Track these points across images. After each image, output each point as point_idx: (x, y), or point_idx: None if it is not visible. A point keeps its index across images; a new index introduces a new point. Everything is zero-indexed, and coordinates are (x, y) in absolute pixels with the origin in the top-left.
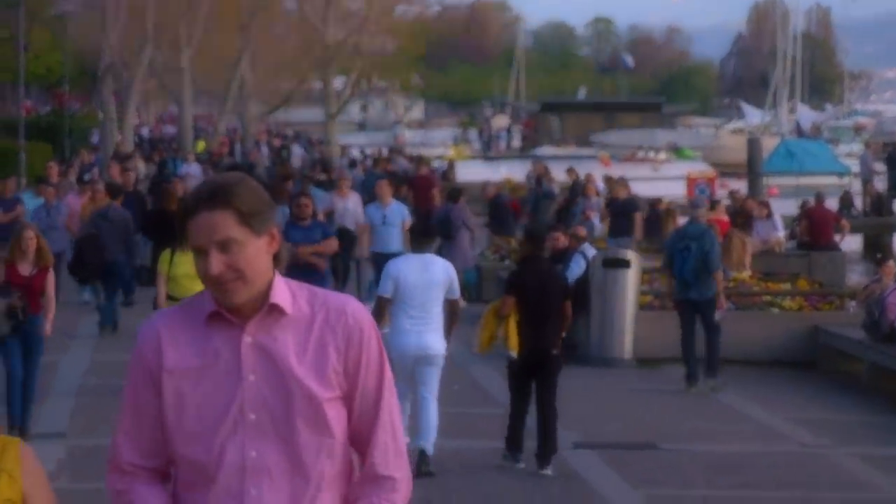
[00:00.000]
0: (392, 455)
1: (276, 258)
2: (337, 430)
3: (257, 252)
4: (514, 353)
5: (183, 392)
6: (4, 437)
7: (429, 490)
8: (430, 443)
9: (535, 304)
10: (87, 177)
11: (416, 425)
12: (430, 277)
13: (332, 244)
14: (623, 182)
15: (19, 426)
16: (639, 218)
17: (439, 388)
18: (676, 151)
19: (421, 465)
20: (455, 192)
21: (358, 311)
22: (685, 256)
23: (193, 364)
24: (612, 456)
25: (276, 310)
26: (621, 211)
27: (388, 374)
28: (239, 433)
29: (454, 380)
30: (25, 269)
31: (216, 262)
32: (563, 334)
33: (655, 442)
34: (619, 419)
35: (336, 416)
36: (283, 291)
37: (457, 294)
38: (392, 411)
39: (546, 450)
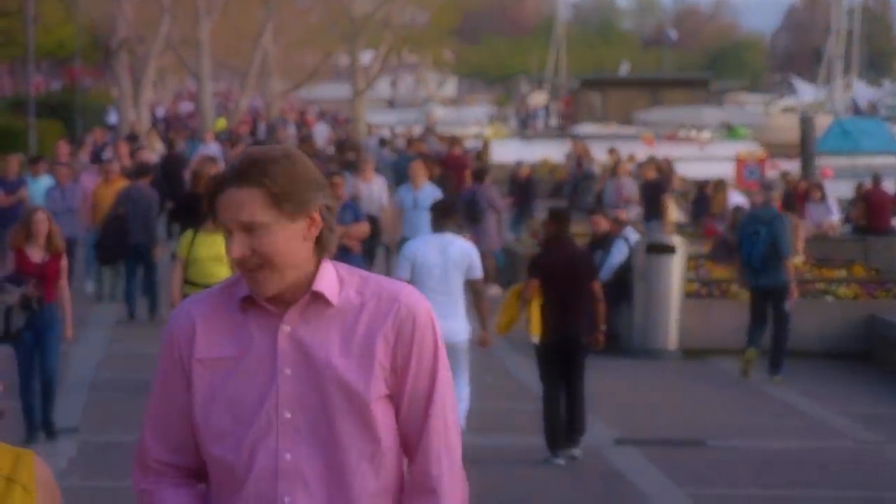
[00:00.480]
0: (445, 467)
1: (319, 244)
2: (384, 435)
3: (289, 238)
4: (536, 338)
5: (213, 384)
6: (18, 449)
7: None
8: (461, 413)
9: (560, 287)
10: (104, 156)
11: None
12: (448, 258)
13: (363, 228)
14: (653, 163)
15: (45, 427)
16: (666, 200)
17: (473, 382)
18: (730, 130)
19: None
20: (480, 172)
21: (413, 299)
22: (754, 241)
23: (226, 354)
24: (656, 453)
25: (321, 299)
26: (651, 193)
27: (445, 372)
28: (272, 433)
29: (487, 371)
30: (36, 255)
31: (237, 245)
32: (603, 320)
33: (702, 438)
34: (663, 414)
35: (384, 419)
36: (330, 279)
37: (478, 274)
38: (447, 417)
39: (573, 430)
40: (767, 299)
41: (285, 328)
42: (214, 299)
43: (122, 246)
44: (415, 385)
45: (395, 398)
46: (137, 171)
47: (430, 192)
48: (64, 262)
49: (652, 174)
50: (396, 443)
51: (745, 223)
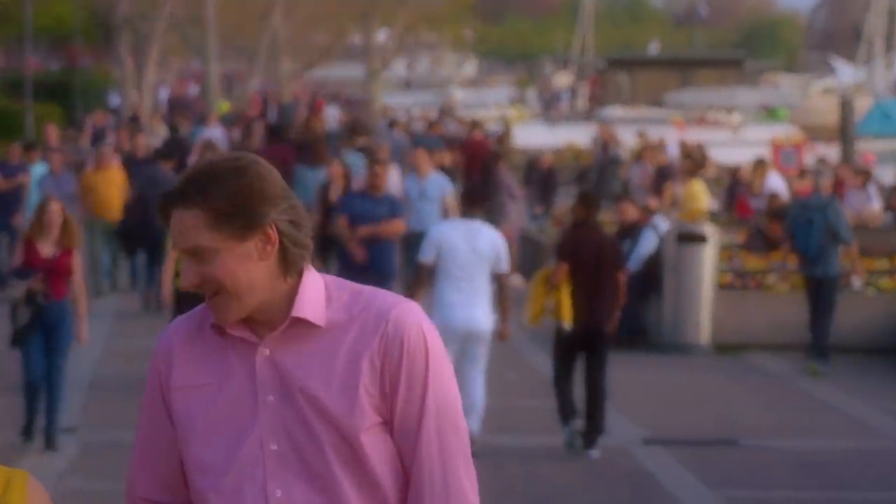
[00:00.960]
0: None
1: (284, 261)
2: (380, 467)
3: (240, 261)
4: (567, 325)
5: (193, 414)
6: (9, 470)
7: (486, 491)
8: (475, 421)
9: (588, 272)
10: (108, 142)
11: (463, 403)
12: (475, 247)
13: (397, 226)
14: (660, 147)
15: (46, 435)
16: (669, 188)
17: (494, 378)
18: (771, 112)
19: None
20: (494, 156)
21: (403, 316)
22: (808, 230)
23: (204, 381)
24: (686, 453)
25: (303, 323)
26: (661, 179)
27: (441, 398)
28: (259, 468)
29: (509, 367)
30: (47, 248)
31: (188, 272)
32: (618, 310)
33: (735, 437)
34: (694, 412)
35: (377, 450)
36: (314, 298)
37: (505, 267)
38: (444, 449)
39: (592, 430)
40: (820, 288)
41: (264, 351)
42: (195, 322)
43: (146, 232)
44: (404, 414)
45: (390, 426)
46: (161, 153)
47: (436, 182)
48: (77, 257)
49: (664, 159)
50: (398, 474)
51: (796, 212)
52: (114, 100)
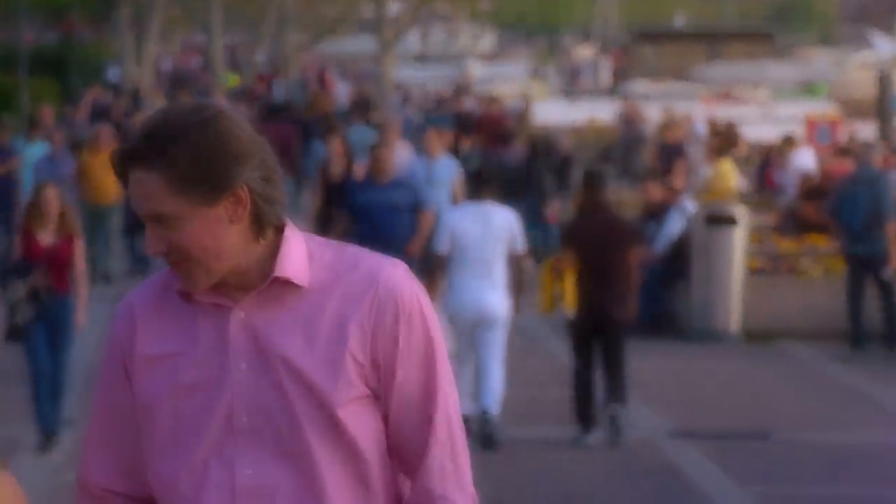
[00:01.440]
0: (451, 483)
1: (257, 221)
2: (365, 445)
3: (209, 226)
4: (571, 313)
5: (157, 387)
6: None
7: (506, 483)
8: (494, 402)
9: (593, 258)
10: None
11: (478, 387)
12: (490, 229)
13: (430, 220)
14: (673, 122)
15: (51, 434)
16: (681, 166)
17: (513, 367)
18: (810, 88)
19: (485, 428)
20: (506, 135)
21: (394, 277)
22: (854, 204)
23: (170, 350)
24: (714, 446)
25: (284, 283)
26: (670, 157)
27: (444, 364)
28: (228, 444)
29: (528, 355)
30: (46, 238)
31: (152, 239)
32: (634, 293)
33: (766, 430)
34: (723, 403)
35: (361, 425)
36: (297, 256)
37: (521, 247)
38: (450, 418)
39: (614, 400)
40: (867, 268)
41: (238, 314)
42: (159, 286)
43: None
44: (406, 383)
45: (381, 399)
46: None
47: (445, 165)
48: (78, 246)
49: (673, 135)
50: (383, 454)
51: (842, 187)
52: (113, 74)
